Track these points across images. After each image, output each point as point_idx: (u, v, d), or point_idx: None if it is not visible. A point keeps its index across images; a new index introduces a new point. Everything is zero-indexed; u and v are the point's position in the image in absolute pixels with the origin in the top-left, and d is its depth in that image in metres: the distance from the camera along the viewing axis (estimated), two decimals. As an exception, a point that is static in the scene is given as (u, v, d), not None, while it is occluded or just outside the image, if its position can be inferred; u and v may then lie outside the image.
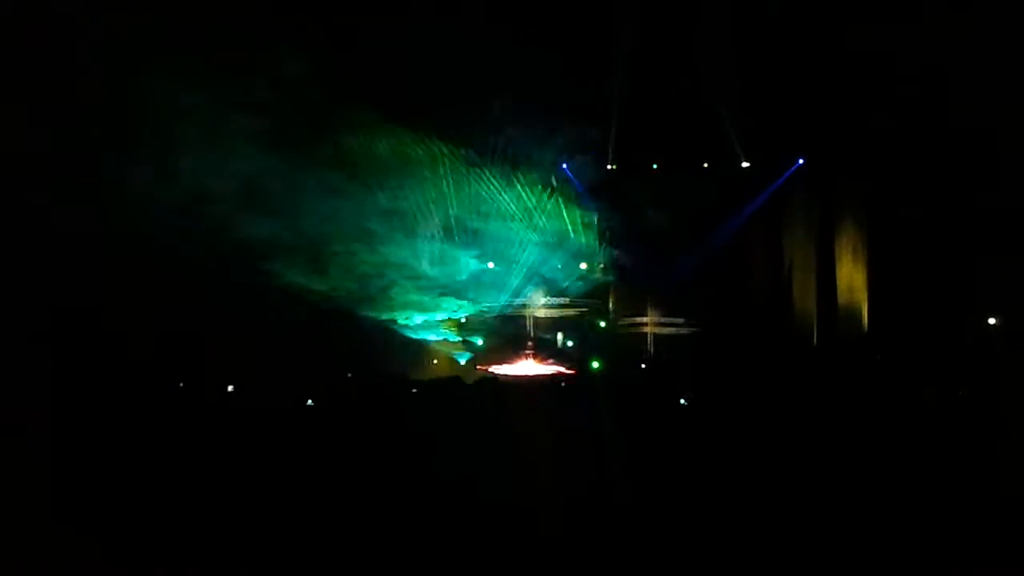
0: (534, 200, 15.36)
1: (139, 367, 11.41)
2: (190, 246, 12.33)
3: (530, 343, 15.72)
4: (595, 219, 15.88)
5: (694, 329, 15.13)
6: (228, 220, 12.64)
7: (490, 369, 15.13)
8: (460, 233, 15.48)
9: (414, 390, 12.99)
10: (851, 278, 14.74)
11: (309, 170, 13.34)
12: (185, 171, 12.26)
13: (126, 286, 11.64)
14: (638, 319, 15.84)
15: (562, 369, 14.93)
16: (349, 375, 13.56)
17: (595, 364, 14.48)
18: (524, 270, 16.21)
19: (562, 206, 15.57)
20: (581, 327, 16.06)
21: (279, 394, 11.82)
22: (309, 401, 11.68)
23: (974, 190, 13.13)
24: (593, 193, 15.96)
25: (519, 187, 15.10)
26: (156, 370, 11.82)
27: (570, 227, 15.70)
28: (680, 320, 15.34)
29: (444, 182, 14.89)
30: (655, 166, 15.76)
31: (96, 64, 10.84)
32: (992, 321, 13.45)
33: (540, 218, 15.49)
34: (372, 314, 14.74)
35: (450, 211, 15.23)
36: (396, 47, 12.66)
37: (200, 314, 12.36)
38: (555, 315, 16.15)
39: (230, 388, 12.43)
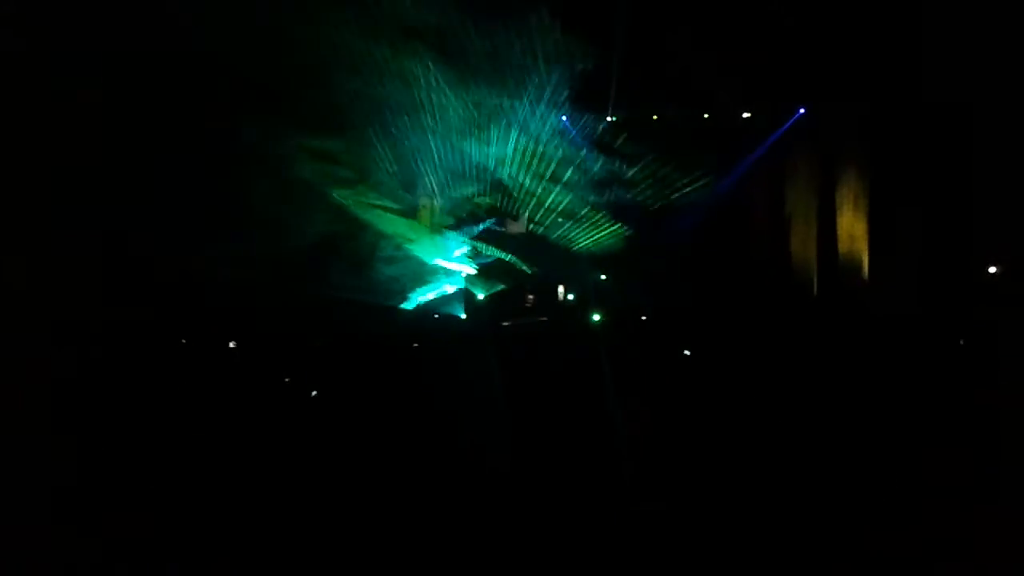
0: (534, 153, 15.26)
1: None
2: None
3: (530, 297, 15.74)
4: (595, 171, 15.81)
5: (695, 280, 15.12)
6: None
7: (489, 321, 15.14)
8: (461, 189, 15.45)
9: (415, 344, 13.05)
10: (852, 227, 14.70)
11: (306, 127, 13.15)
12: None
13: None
14: (639, 270, 15.85)
15: (564, 320, 14.93)
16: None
17: (596, 316, 14.49)
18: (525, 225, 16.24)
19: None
20: (582, 280, 16.07)
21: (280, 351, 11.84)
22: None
23: (976, 138, 13.04)
24: (593, 146, 15.86)
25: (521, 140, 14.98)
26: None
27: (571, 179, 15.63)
28: (681, 270, 15.33)
29: (445, 136, 14.74)
30: (655, 117, 15.64)
31: None
32: (993, 270, 13.46)
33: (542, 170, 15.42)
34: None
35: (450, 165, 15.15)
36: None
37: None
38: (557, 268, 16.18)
39: (231, 344, 12.46)
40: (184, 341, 12.18)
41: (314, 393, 10.09)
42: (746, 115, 15.30)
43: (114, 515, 6.16)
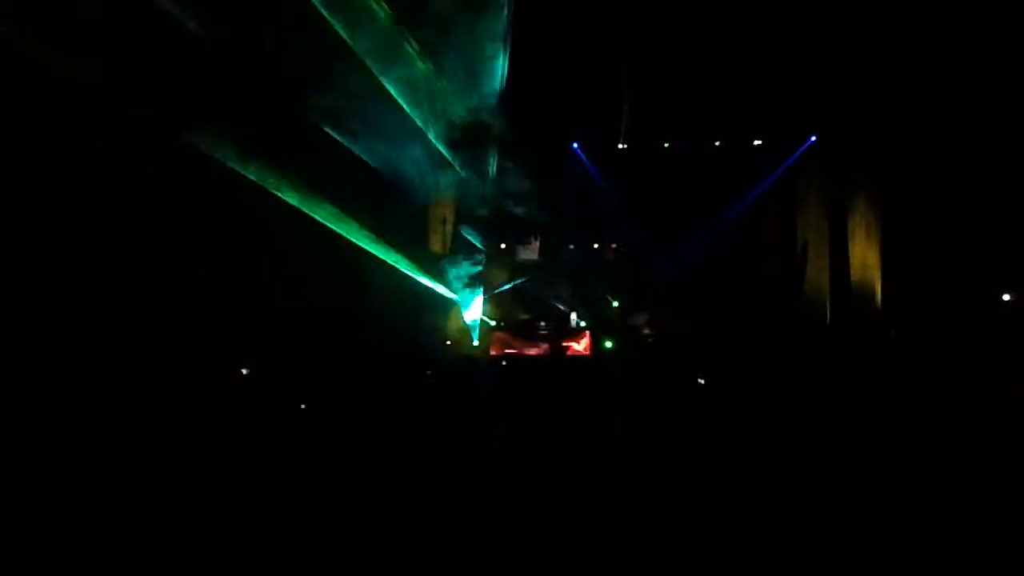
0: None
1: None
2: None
3: (543, 323, 15.75)
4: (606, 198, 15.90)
5: (707, 308, 15.12)
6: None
7: (503, 350, 15.14)
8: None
9: (428, 372, 13.04)
10: (864, 255, 14.67)
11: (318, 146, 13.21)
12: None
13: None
14: (651, 297, 15.88)
15: (576, 349, 14.93)
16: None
17: (608, 344, 14.49)
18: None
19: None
20: (594, 306, 16.10)
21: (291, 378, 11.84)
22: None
23: (988, 165, 13.02)
24: (604, 173, 15.95)
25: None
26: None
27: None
28: (693, 299, 15.33)
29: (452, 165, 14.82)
30: (666, 144, 15.72)
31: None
32: (1007, 297, 13.39)
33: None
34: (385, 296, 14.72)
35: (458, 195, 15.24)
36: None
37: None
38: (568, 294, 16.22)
39: (244, 372, 12.48)
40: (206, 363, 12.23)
41: (329, 413, 10.11)
42: (757, 143, 15.36)
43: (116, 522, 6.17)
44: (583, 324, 15.85)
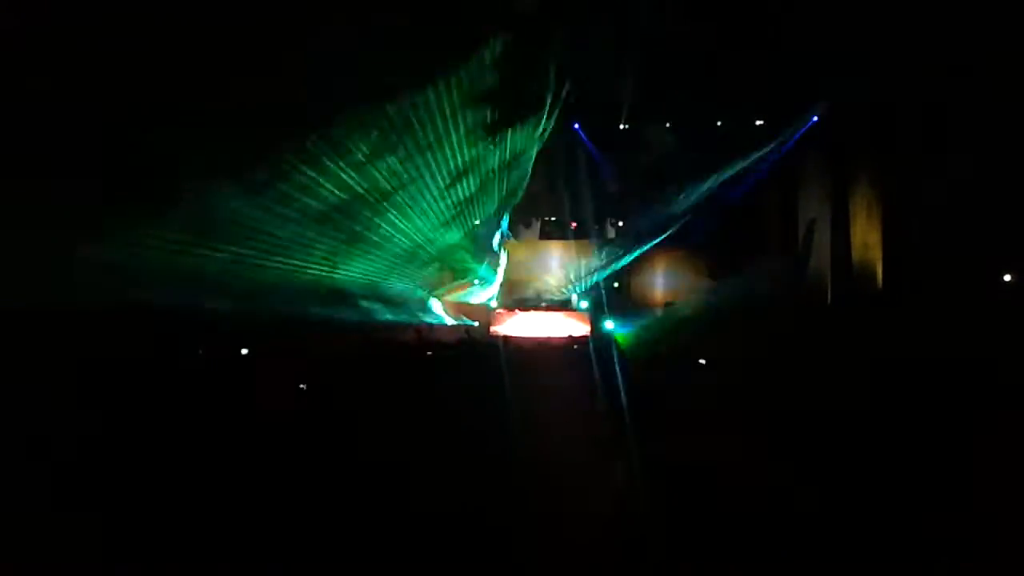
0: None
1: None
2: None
3: (544, 303, 15.75)
4: (608, 179, 15.88)
5: (709, 287, 15.14)
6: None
7: (503, 331, 15.11)
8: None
9: (429, 353, 13.05)
10: (865, 235, 14.68)
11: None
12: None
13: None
14: (652, 278, 15.89)
15: (576, 329, 14.91)
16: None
17: (609, 324, 14.48)
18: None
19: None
20: (595, 287, 16.11)
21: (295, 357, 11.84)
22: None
23: (989, 146, 13.01)
24: (605, 153, 15.92)
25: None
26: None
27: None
28: (695, 278, 15.36)
29: (454, 143, 14.75)
30: (668, 125, 15.68)
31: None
32: (1008, 277, 13.40)
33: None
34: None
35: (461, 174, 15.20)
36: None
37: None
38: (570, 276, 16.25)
39: (244, 351, 12.47)
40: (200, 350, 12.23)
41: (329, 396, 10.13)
42: (759, 123, 15.32)
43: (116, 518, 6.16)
44: (584, 305, 15.86)
